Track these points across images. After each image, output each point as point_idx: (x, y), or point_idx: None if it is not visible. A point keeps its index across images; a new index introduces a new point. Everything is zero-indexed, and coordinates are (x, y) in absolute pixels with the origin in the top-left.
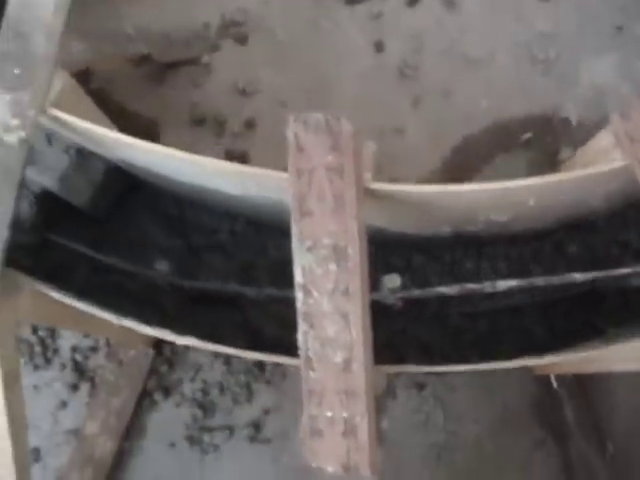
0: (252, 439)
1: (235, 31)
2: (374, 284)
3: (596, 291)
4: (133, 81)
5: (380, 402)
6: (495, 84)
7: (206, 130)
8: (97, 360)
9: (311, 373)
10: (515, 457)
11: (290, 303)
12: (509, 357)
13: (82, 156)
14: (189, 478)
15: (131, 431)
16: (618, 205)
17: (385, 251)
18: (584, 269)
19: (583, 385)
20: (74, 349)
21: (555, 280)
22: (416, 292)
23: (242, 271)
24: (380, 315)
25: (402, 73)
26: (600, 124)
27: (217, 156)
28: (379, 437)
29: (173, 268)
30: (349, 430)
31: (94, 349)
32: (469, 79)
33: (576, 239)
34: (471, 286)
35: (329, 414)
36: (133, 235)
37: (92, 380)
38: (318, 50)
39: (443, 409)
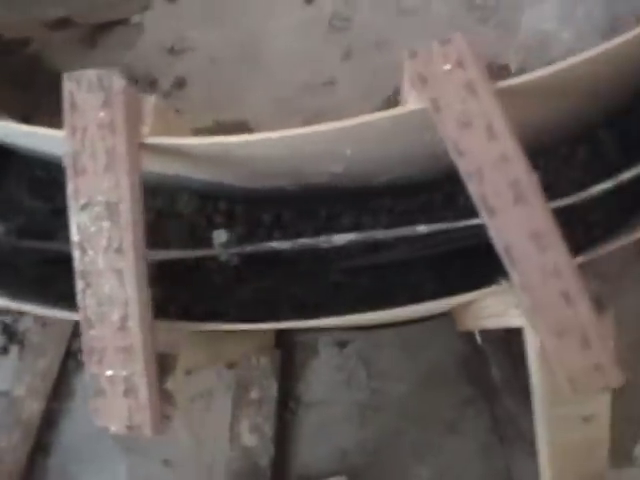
0: None
1: None
2: (207, 241)
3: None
4: (68, 45)
5: (166, 361)
6: (430, 33)
7: (138, 91)
8: (25, 322)
9: (91, 331)
10: (443, 416)
11: None
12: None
13: None
14: None
15: (59, 392)
16: None
17: (256, 207)
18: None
19: (511, 342)
20: (3, 312)
21: (396, 233)
22: (248, 248)
23: None
24: (246, 271)
25: (333, 25)
26: None
27: None
28: (165, 397)
29: (11, 229)
30: (129, 389)
31: (22, 311)
32: (402, 29)
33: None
34: (305, 241)
35: (109, 373)
36: None
37: (21, 342)
38: (248, 5)
39: (366, 367)
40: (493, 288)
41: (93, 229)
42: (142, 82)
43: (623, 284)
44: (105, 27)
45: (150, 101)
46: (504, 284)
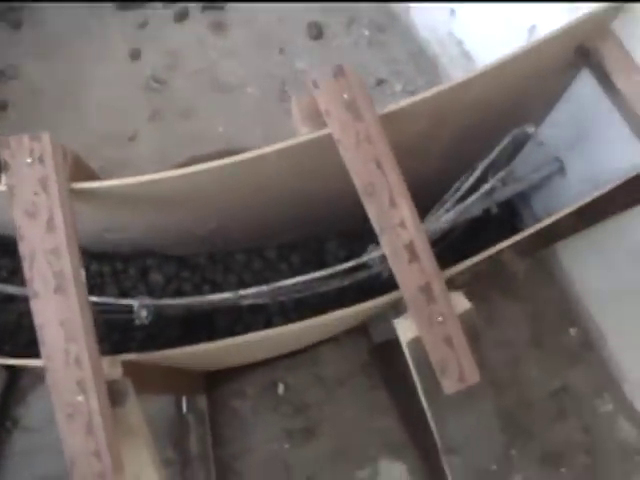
0: None
1: (13, 16)
2: None
3: None
4: None
5: None
6: (237, 113)
7: None
8: None
9: None
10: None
11: None
12: None
13: None
14: None
15: None
16: None
17: None
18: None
19: (216, 419)
20: None
21: None
22: None
23: None
24: None
25: (148, 85)
26: None
27: None
28: None
29: None
30: None
31: None
32: (212, 103)
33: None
34: None
35: None
36: None
37: None
38: (81, 48)
39: None
40: None
41: None
42: None
43: (341, 391)
44: None
45: None
46: None
